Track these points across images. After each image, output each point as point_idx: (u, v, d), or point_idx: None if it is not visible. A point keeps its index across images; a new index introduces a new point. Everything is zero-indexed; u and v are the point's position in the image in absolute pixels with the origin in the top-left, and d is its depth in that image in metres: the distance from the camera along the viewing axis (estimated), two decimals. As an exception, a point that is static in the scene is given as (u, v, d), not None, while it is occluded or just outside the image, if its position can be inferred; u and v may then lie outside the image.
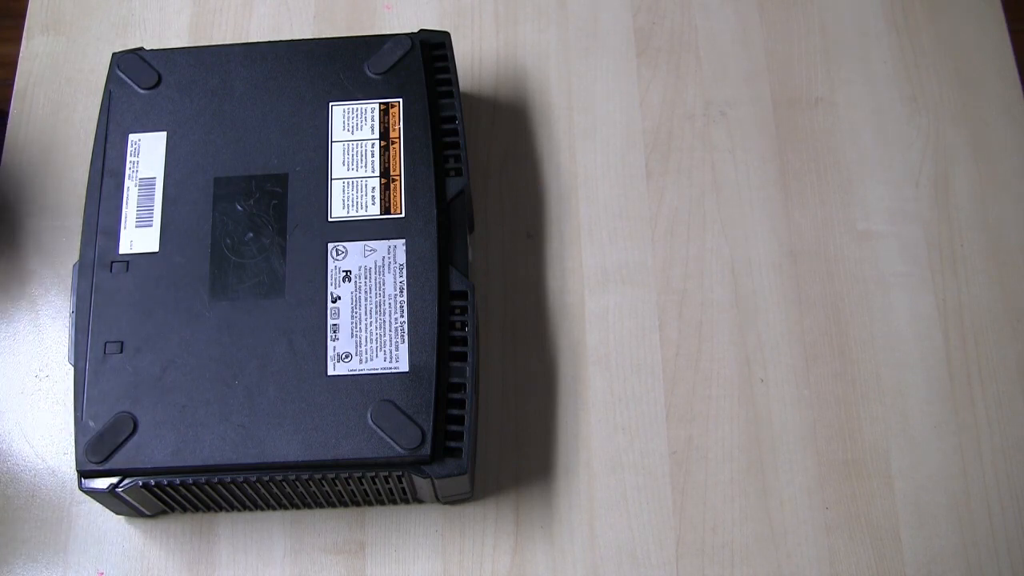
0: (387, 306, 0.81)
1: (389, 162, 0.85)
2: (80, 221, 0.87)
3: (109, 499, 0.81)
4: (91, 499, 0.83)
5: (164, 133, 0.87)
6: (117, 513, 0.86)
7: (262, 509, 0.86)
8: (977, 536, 0.85)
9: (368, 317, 0.81)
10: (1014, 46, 0.99)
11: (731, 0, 1.02)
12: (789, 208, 0.95)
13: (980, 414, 0.89)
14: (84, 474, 0.79)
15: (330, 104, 0.87)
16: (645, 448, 0.88)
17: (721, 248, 0.94)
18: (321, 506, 0.86)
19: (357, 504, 0.86)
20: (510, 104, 0.99)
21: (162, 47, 0.92)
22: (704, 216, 0.95)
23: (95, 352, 0.81)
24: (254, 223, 0.84)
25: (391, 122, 0.86)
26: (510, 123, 0.98)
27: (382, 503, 0.85)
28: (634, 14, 1.02)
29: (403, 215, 0.83)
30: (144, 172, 0.85)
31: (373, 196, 0.84)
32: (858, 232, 0.94)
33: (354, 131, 0.86)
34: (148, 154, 0.86)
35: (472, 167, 0.95)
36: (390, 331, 0.80)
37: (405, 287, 0.81)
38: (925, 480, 0.87)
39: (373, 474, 0.79)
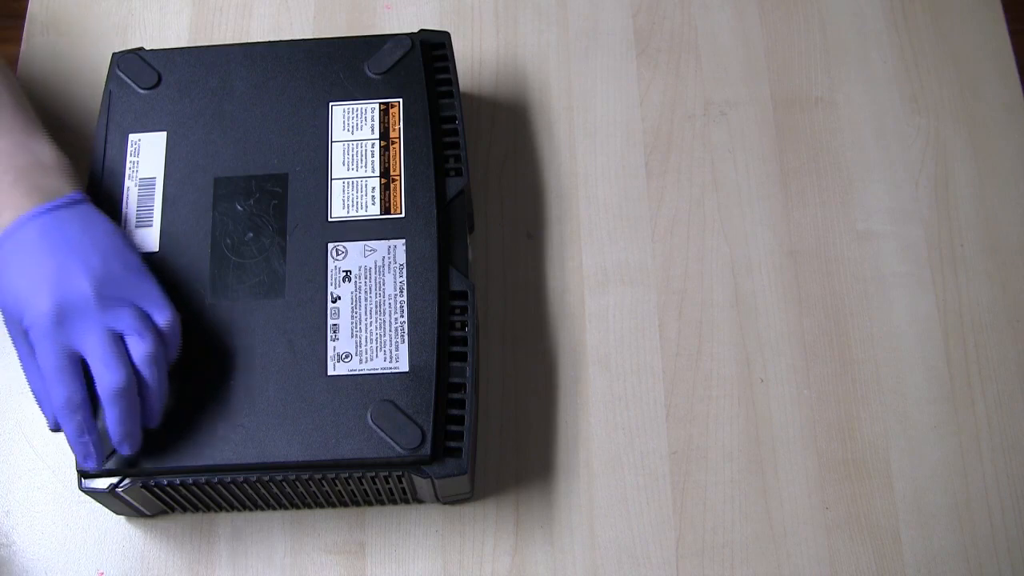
0: (387, 306, 0.81)
1: (389, 162, 0.85)
2: (80, 221, 0.87)
3: (109, 499, 0.81)
4: (91, 499, 0.82)
5: (164, 133, 0.87)
6: (117, 513, 0.86)
7: (262, 509, 0.86)
8: (977, 536, 0.85)
9: (368, 317, 0.81)
10: (1014, 46, 0.99)
11: (731, 0, 1.02)
12: (789, 208, 0.95)
13: (980, 414, 0.89)
14: (84, 474, 0.79)
15: (330, 104, 0.87)
16: (645, 448, 0.88)
17: (721, 248, 0.94)
18: (321, 506, 0.86)
19: (357, 504, 0.86)
20: (510, 104, 0.99)
21: (162, 47, 0.92)
22: (704, 216, 0.95)
23: (95, 352, 0.81)
24: (254, 223, 0.84)
25: (391, 122, 0.86)
26: (510, 123, 0.98)
27: (382, 503, 0.85)
28: (634, 14, 1.02)
29: (403, 215, 0.83)
30: (144, 172, 0.85)
31: (373, 196, 0.84)
32: (858, 232, 0.94)
33: (354, 131, 0.86)
34: (148, 154, 0.86)
35: (472, 167, 0.95)
36: (390, 331, 0.80)
37: (405, 287, 0.81)
38: (925, 480, 0.87)
39: (373, 474, 0.79)
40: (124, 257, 0.78)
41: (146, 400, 0.76)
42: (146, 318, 0.76)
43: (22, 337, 0.76)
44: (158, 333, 0.76)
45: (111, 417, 0.75)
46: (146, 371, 0.75)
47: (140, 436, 0.76)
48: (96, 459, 0.76)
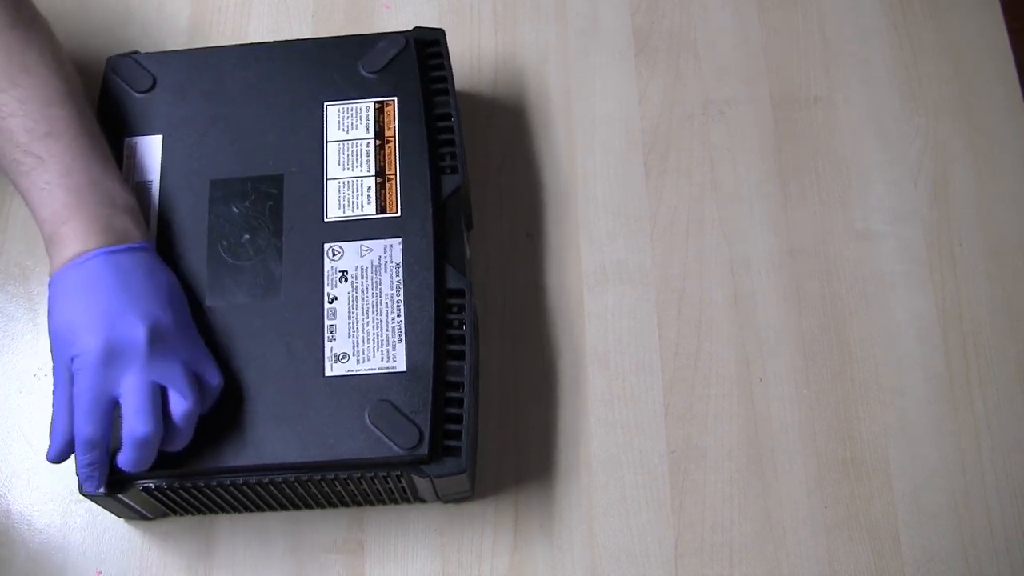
0: (384, 305, 0.81)
1: (384, 161, 0.85)
2: (78, 221, 0.87)
3: (108, 501, 0.81)
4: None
5: (160, 136, 0.87)
6: (117, 515, 0.86)
7: (261, 510, 0.86)
8: (977, 536, 0.85)
9: (365, 317, 0.81)
10: (1013, 46, 0.99)
11: (731, 0, 1.02)
12: (788, 208, 0.95)
13: (980, 414, 0.88)
14: (83, 476, 0.79)
15: (325, 104, 0.87)
16: (644, 447, 0.88)
17: (721, 248, 0.94)
18: (321, 507, 0.86)
19: (358, 504, 0.86)
20: (509, 103, 0.99)
21: (161, 47, 0.92)
22: (703, 216, 0.95)
23: (93, 353, 0.81)
24: (250, 224, 0.83)
25: (386, 121, 0.86)
26: (509, 122, 0.98)
27: (383, 503, 0.85)
28: (633, 13, 1.02)
29: (399, 214, 0.83)
30: (140, 175, 0.85)
31: (369, 195, 0.84)
32: (858, 232, 0.94)
33: (349, 130, 0.86)
34: (144, 157, 0.86)
35: (471, 167, 0.95)
36: (387, 331, 0.80)
37: (401, 286, 0.81)
38: (924, 480, 0.87)
39: (372, 474, 0.79)
40: (182, 313, 0.79)
41: (169, 445, 0.77)
42: (193, 377, 0.77)
43: (64, 366, 0.76)
44: (201, 393, 0.77)
45: (128, 456, 0.75)
46: (181, 425, 0.76)
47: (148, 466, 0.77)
48: (97, 486, 0.77)
